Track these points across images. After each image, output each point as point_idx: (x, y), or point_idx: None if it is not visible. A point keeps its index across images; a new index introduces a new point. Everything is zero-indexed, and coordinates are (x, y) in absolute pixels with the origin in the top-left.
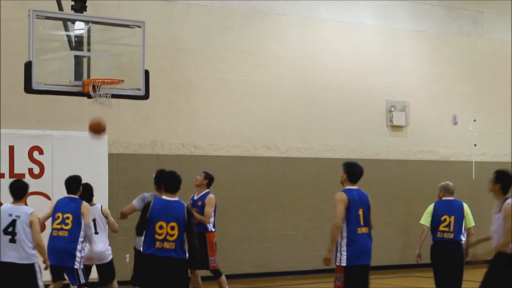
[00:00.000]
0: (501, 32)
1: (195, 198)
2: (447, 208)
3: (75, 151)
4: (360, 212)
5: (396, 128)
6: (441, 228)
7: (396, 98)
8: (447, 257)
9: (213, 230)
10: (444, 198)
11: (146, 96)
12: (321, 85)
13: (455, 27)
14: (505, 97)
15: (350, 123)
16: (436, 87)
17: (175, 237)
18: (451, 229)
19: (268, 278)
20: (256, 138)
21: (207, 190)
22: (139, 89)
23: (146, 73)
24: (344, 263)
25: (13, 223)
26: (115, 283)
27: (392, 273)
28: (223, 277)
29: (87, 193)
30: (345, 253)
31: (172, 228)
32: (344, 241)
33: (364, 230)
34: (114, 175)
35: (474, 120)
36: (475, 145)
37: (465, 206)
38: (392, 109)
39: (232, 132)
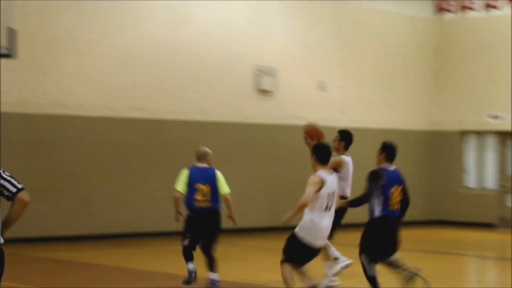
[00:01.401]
0: (371, 0)
1: None
2: (201, 176)
3: None
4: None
5: (264, 92)
6: (196, 196)
7: (264, 63)
8: (204, 225)
9: None
10: (198, 165)
11: (12, 55)
12: (190, 48)
13: None
14: (371, 64)
15: (218, 87)
16: (305, 53)
17: None
18: (208, 198)
19: (134, 239)
20: (125, 100)
21: None
22: (6, 48)
23: (12, 31)
24: None
25: None
26: None
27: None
28: None
29: None
30: None
31: None
32: None
33: None
34: None
35: (341, 87)
36: (340, 111)
37: (218, 173)
38: (260, 74)
39: (102, 93)
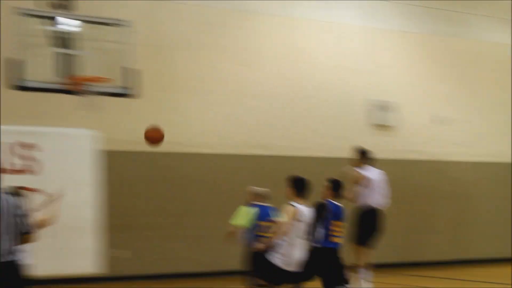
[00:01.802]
0: (488, 33)
1: None
2: (268, 214)
3: (62, 148)
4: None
5: (382, 127)
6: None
7: (381, 98)
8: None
9: None
10: (262, 204)
11: (133, 95)
12: (306, 83)
13: (441, 27)
14: (491, 98)
15: (335, 122)
16: (422, 87)
17: None
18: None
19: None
20: (242, 137)
21: None
22: (126, 87)
23: (133, 71)
24: None
25: None
26: None
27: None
28: None
29: None
30: None
31: None
32: None
33: None
34: (103, 172)
35: (458, 121)
36: (458, 145)
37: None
38: (377, 109)
39: (219, 130)
